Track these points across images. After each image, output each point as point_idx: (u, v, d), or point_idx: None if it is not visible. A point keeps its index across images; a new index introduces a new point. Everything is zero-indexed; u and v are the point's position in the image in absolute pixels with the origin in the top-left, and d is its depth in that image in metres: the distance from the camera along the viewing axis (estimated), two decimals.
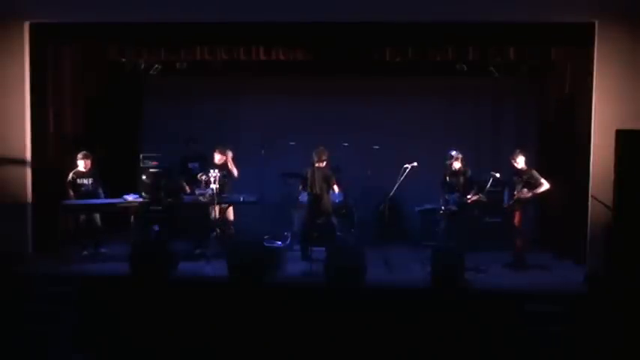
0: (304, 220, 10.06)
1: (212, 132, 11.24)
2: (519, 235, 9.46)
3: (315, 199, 9.78)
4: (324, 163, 9.78)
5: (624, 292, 7.97)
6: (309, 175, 9.78)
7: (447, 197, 9.72)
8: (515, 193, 9.35)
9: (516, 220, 9.43)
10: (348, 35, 9.54)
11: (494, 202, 9.78)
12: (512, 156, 9.47)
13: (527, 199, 9.33)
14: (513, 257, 9.47)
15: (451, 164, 9.66)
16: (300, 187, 10.24)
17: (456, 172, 9.67)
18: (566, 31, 9.18)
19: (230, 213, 10.14)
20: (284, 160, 10.99)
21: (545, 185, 9.27)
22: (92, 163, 9.86)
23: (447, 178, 9.77)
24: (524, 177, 9.35)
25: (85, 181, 9.78)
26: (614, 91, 9.00)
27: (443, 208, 9.67)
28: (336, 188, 9.90)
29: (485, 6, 8.96)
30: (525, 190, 9.31)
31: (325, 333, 7.91)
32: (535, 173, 9.35)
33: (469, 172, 9.68)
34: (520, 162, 9.41)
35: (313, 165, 9.77)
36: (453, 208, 9.60)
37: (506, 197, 9.57)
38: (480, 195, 9.40)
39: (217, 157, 10.04)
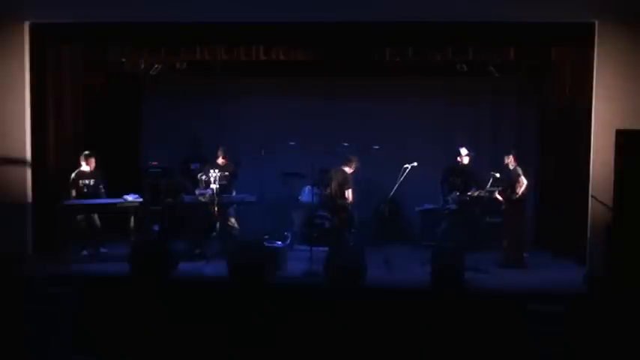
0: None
1: (212, 132, 11.27)
2: (506, 235, 9.54)
3: (328, 199, 10.08)
4: (349, 170, 9.98)
5: (624, 292, 7.97)
6: (332, 174, 10.05)
7: (447, 197, 9.78)
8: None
9: (506, 219, 9.54)
10: (347, 35, 9.54)
11: (494, 201, 9.80)
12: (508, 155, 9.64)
13: (517, 199, 9.38)
14: (503, 256, 9.54)
15: (460, 161, 9.82)
16: (321, 184, 10.42)
17: (460, 171, 9.76)
18: (566, 31, 9.17)
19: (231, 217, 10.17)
20: (284, 160, 10.99)
21: (497, 193, 9.48)
22: (96, 164, 9.87)
23: (449, 177, 9.86)
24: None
25: (88, 182, 9.79)
26: (614, 91, 8.99)
27: (443, 207, 9.76)
28: (349, 195, 9.94)
29: (485, 6, 8.96)
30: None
31: (325, 333, 7.90)
32: (513, 176, 9.45)
33: (473, 171, 9.84)
34: (507, 161, 9.57)
35: (341, 166, 10.01)
36: (453, 206, 9.66)
37: None
38: (482, 190, 9.48)
39: (220, 159, 10.07)
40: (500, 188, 9.50)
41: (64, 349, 8.05)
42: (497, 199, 9.55)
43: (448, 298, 8.19)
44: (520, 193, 9.40)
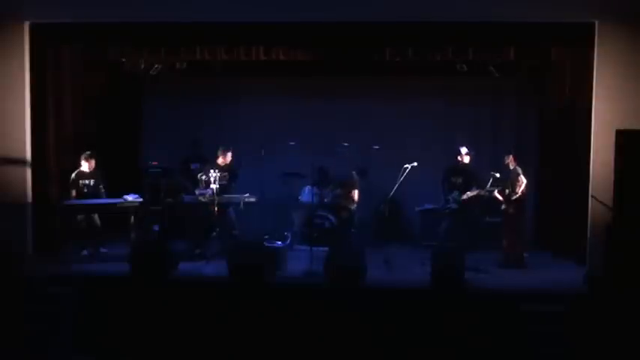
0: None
1: (212, 132, 11.27)
2: (506, 235, 9.55)
3: (335, 197, 10.47)
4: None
5: (624, 292, 7.97)
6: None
7: (448, 197, 9.80)
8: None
9: (506, 219, 9.57)
10: (348, 35, 9.53)
11: (494, 201, 9.81)
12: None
13: (517, 199, 9.39)
14: (503, 256, 9.55)
15: (461, 160, 9.84)
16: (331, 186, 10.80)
17: (460, 170, 9.77)
18: (566, 31, 9.17)
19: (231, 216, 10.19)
20: (284, 160, 10.99)
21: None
22: (96, 164, 9.87)
23: (450, 176, 9.88)
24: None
25: (88, 182, 9.79)
26: (614, 91, 8.99)
27: (444, 206, 9.78)
28: (355, 196, 10.39)
29: (485, 6, 8.96)
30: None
31: (325, 333, 7.90)
32: (513, 176, 9.49)
33: (473, 171, 9.88)
34: (507, 161, 9.63)
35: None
36: (454, 206, 9.67)
37: None
38: (481, 190, 9.50)
39: (220, 158, 10.07)
40: (500, 188, 9.52)
41: (64, 349, 8.05)
42: (497, 198, 9.56)
43: (448, 298, 8.19)
44: (520, 192, 9.41)
